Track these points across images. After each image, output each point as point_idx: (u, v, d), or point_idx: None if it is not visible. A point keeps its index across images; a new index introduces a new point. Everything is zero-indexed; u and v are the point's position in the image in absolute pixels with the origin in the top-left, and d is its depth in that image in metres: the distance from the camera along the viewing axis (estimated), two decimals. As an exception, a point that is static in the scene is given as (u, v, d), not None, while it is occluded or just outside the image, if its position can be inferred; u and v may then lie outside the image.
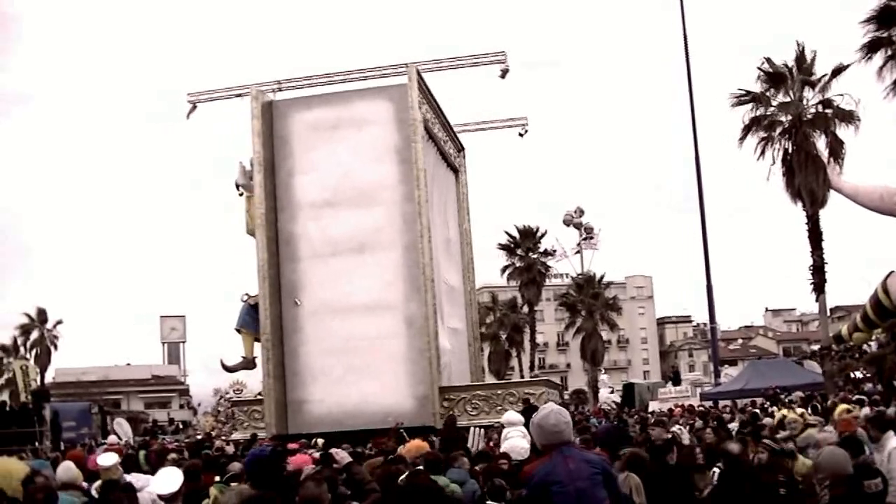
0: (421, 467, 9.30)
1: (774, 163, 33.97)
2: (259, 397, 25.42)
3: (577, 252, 72.04)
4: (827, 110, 33.61)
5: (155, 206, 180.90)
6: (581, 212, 72.24)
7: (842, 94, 33.50)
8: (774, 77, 35.00)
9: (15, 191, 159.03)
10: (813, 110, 34.20)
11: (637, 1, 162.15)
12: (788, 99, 34.88)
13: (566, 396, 77.03)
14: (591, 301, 69.45)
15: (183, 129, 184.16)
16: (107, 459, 10.67)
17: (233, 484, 9.37)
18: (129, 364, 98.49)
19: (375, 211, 23.95)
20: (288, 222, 24.45)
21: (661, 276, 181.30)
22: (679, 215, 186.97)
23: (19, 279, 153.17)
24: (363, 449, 15.03)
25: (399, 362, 23.19)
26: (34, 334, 74.47)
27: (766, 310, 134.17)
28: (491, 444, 15.12)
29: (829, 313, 41.14)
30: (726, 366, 64.19)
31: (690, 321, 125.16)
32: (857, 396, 26.25)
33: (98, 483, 9.77)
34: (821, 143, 33.24)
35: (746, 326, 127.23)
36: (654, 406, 43.83)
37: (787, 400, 27.40)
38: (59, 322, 75.74)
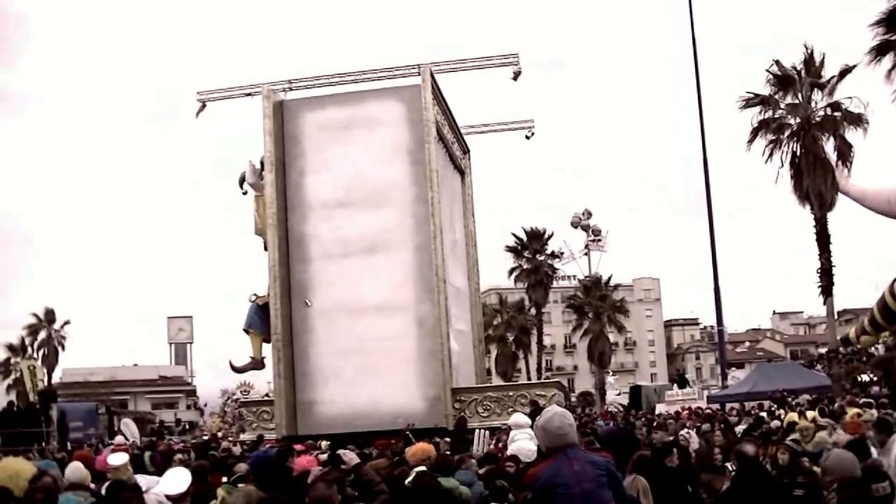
0: (424, 469, 9.29)
1: (783, 165, 33.94)
2: (267, 398, 25.41)
3: (585, 254, 72.29)
4: (835, 113, 33.56)
5: (162, 206, 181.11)
6: (589, 214, 72.48)
7: (850, 97, 33.47)
8: (783, 80, 34.96)
9: (22, 191, 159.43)
10: (821, 113, 34.15)
11: (641, 2, 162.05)
12: (797, 101, 34.83)
13: (573, 399, 77.14)
14: (598, 303, 69.45)
15: (185, 128, 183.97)
16: (117, 459, 10.71)
17: (240, 485, 9.37)
18: (136, 364, 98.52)
19: (387, 212, 23.93)
20: (299, 222, 24.42)
21: (668, 279, 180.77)
22: (687, 218, 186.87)
23: (27, 279, 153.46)
24: (369, 450, 15.03)
25: (410, 363, 23.16)
26: (42, 334, 74.58)
27: (774, 312, 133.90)
28: (500, 445, 15.11)
29: (836, 316, 41.10)
30: (733, 368, 64.08)
31: (698, 324, 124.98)
32: (863, 399, 26.22)
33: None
34: (829, 145, 33.18)
35: (754, 329, 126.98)
36: (661, 408, 43.74)
37: (794, 403, 27.37)
38: (67, 322, 75.87)
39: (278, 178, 24.30)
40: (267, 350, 26.30)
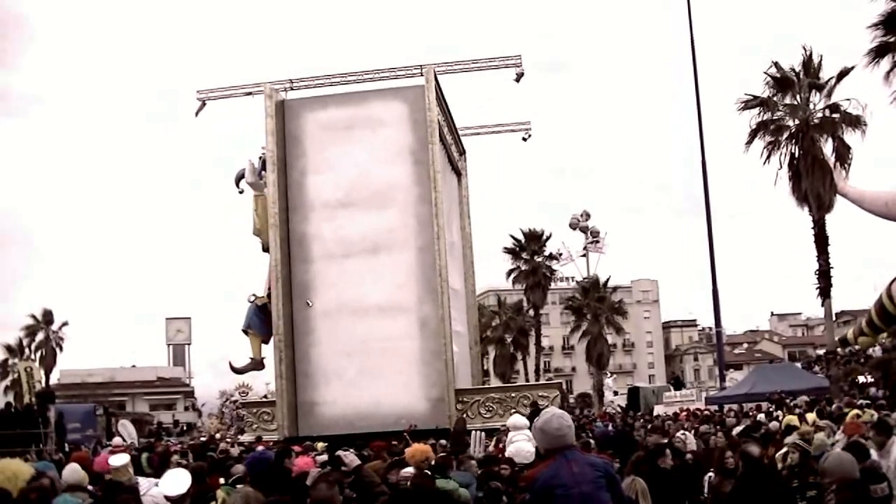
0: (414, 471, 9.29)
1: (781, 167, 33.88)
2: (266, 399, 25.37)
3: (583, 255, 72.21)
4: (834, 115, 33.51)
5: (160, 207, 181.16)
6: (587, 215, 72.46)
7: (849, 99, 33.42)
8: (781, 81, 34.93)
9: (21, 192, 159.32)
10: (820, 115, 34.11)
11: (640, 3, 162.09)
12: (795, 103, 34.80)
13: (571, 400, 77.14)
14: (596, 305, 69.38)
15: (185, 129, 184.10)
16: (118, 460, 10.74)
17: (238, 486, 9.37)
18: (134, 366, 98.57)
19: (389, 212, 23.93)
20: (300, 222, 24.38)
21: (666, 280, 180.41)
22: (685, 219, 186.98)
23: (25, 280, 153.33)
24: (367, 452, 15.01)
25: (412, 364, 23.17)
26: (39, 335, 74.39)
27: (772, 314, 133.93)
28: (501, 446, 15.12)
29: (834, 318, 41.03)
30: (731, 370, 64.12)
31: (696, 325, 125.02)
32: (860, 401, 26.24)
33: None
34: (828, 147, 33.13)
35: (752, 331, 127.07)
36: (659, 410, 43.79)
37: (792, 404, 27.38)
38: (65, 323, 75.65)
39: (280, 178, 24.27)
40: (266, 351, 26.30)
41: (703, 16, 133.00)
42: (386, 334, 23.07)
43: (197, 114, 26.63)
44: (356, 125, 24.44)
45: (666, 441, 12.60)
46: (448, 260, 25.93)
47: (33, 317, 74.27)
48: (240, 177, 26.81)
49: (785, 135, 34.25)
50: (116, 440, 24.96)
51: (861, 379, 39.93)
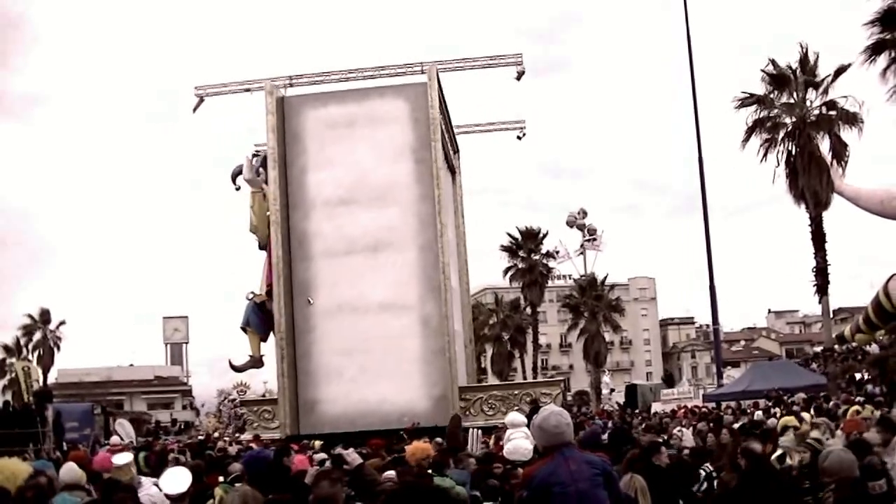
0: (419, 468, 9.29)
1: (778, 164, 33.97)
2: (264, 398, 25.35)
3: (581, 253, 72.11)
4: (831, 112, 33.58)
5: (156, 207, 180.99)
6: (584, 213, 72.29)
7: (845, 96, 33.49)
8: (778, 79, 34.98)
9: (19, 192, 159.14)
10: (816, 112, 34.16)
11: (638, 3, 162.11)
12: (792, 101, 34.85)
13: (569, 398, 77.16)
14: (594, 302, 69.45)
15: (184, 128, 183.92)
16: (121, 459, 10.76)
17: (237, 485, 9.37)
18: (131, 365, 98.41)
19: (390, 210, 23.90)
20: (301, 220, 24.33)
21: (664, 278, 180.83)
22: (682, 217, 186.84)
23: (23, 280, 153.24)
24: (364, 450, 15.01)
25: (414, 362, 23.16)
26: (37, 335, 74.47)
27: (769, 311, 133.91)
28: (500, 444, 15.13)
29: (831, 315, 41.15)
30: (729, 367, 64.09)
31: (693, 323, 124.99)
32: (857, 398, 26.24)
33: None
34: (824, 145, 33.20)
35: (749, 328, 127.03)
36: (656, 407, 43.85)
37: (789, 401, 27.38)
38: (62, 323, 75.77)
39: (280, 176, 24.21)
40: (265, 349, 26.30)
41: (702, 16, 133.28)
42: (387, 332, 23.05)
43: (195, 110, 26.58)
44: (357, 123, 24.42)
45: (658, 439, 12.62)
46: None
47: (31, 316, 74.32)
48: (236, 173, 26.77)
49: (782, 132, 34.38)
50: (114, 439, 24.91)
51: (858, 376, 39.95)
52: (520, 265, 68.21)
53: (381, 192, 23.91)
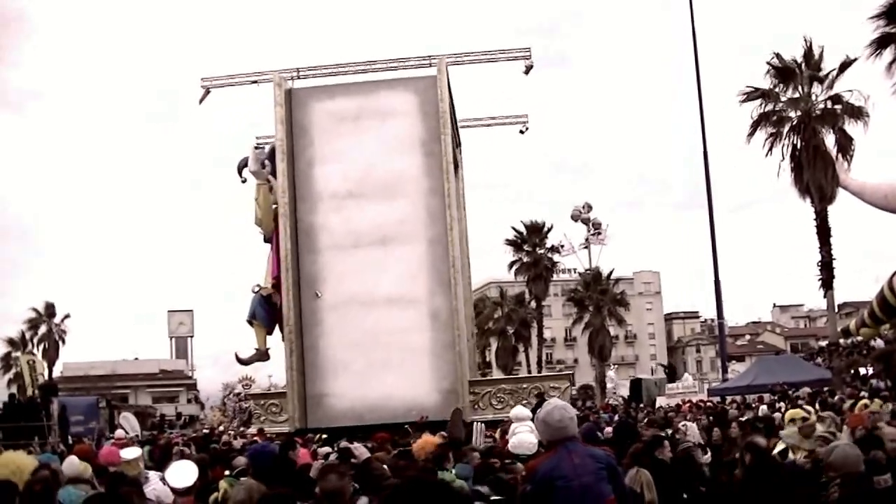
0: (424, 463, 9.29)
1: (783, 158, 33.91)
2: (270, 391, 25.31)
3: (585, 247, 72.13)
4: (836, 106, 33.50)
5: (162, 201, 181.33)
6: (589, 207, 72.32)
7: (850, 90, 33.41)
8: (783, 72, 34.90)
9: (23, 186, 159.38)
10: (822, 106, 34.09)
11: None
12: (797, 95, 34.77)
13: (574, 392, 77.17)
14: (598, 296, 69.42)
15: (188, 121, 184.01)
16: (130, 453, 10.77)
17: (242, 478, 9.38)
18: (136, 358, 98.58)
19: (399, 203, 23.78)
20: (308, 213, 24.19)
21: (668, 272, 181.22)
22: (687, 213, 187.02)
23: (27, 274, 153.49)
24: (369, 444, 15.01)
25: (423, 356, 23.08)
26: (42, 328, 74.58)
27: (774, 306, 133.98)
28: (507, 437, 15.13)
29: (836, 309, 41.08)
30: (734, 361, 64.13)
31: (698, 317, 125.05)
32: (862, 392, 26.20)
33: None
34: (829, 139, 33.14)
35: (754, 322, 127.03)
36: (661, 401, 43.81)
37: (794, 396, 27.38)
38: (67, 316, 75.87)
39: (287, 168, 24.13)
40: (271, 342, 26.29)
41: (705, 15, 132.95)
42: (395, 326, 22.96)
43: (201, 101, 26.41)
44: (365, 115, 24.30)
45: (661, 434, 12.60)
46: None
47: (35, 310, 74.44)
48: (242, 165, 26.70)
49: (787, 126, 34.31)
50: (119, 432, 24.97)
51: (863, 370, 39.91)
52: (525, 259, 68.19)
53: (389, 186, 23.80)
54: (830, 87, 34.13)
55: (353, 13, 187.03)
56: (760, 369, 39.35)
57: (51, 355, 72.54)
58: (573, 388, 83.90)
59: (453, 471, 9.69)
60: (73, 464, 9.13)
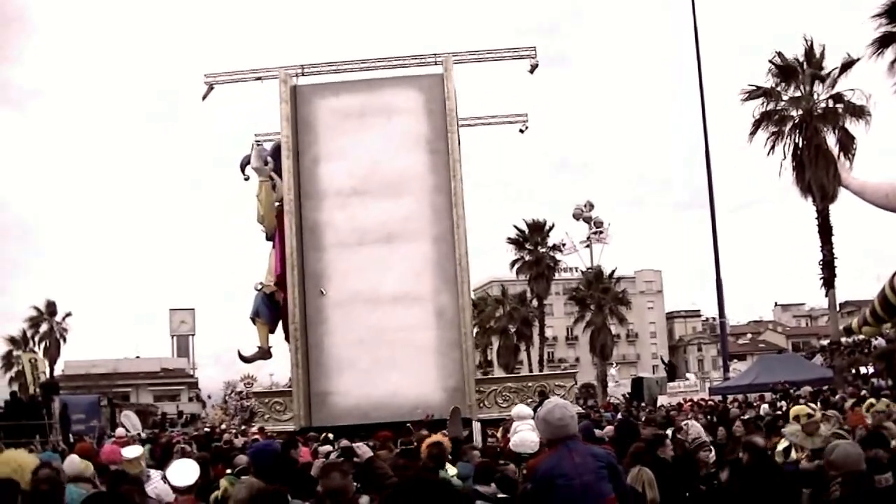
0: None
1: (785, 158, 33.82)
2: (272, 390, 25.28)
3: (587, 246, 72.10)
4: (838, 105, 33.44)
5: (163, 200, 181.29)
6: (591, 206, 72.30)
7: (852, 89, 33.34)
8: (785, 71, 34.83)
9: (24, 184, 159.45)
10: (823, 105, 34.03)
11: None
12: (799, 94, 34.71)
13: (575, 390, 77.14)
14: (600, 295, 69.33)
15: (190, 120, 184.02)
16: (132, 451, 10.77)
17: (243, 477, 9.38)
18: (138, 357, 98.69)
19: (404, 201, 23.76)
20: (313, 210, 24.16)
21: (670, 271, 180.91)
22: (688, 212, 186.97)
23: (28, 272, 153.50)
24: (371, 443, 15.00)
25: (428, 354, 23.07)
26: (43, 327, 74.42)
27: (776, 304, 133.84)
28: (509, 436, 15.14)
29: (838, 308, 40.99)
30: (735, 360, 64.13)
31: (699, 316, 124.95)
32: (863, 391, 26.21)
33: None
34: (831, 138, 33.06)
35: (755, 321, 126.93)
36: (662, 400, 43.86)
37: (795, 395, 27.39)
38: (69, 315, 75.70)
39: (293, 165, 24.08)
40: (273, 340, 26.29)
41: (706, 15, 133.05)
42: (400, 324, 22.95)
43: (204, 97, 26.27)
44: (369, 113, 24.28)
45: (662, 432, 12.58)
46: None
47: (37, 308, 74.33)
48: (245, 163, 26.69)
49: (788, 125, 34.19)
50: (119, 431, 24.98)
51: (864, 369, 39.91)
52: (526, 258, 68.08)
53: (394, 183, 23.78)
54: (832, 86, 34.06)
55: (353, 11, 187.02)
56: (762, 368, 39.37)
57: (52, 354, 72.43)
58: (576, 386, 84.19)
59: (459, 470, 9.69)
60: (74, 462, 9.13)
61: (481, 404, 22.74)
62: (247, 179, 26.78)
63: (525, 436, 11.47)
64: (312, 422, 22.67)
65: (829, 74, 34.26)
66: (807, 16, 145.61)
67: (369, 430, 16.53)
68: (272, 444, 10.21)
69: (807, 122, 33.59)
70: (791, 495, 8.21)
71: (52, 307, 74.48)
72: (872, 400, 17.07)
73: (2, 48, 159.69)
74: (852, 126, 32.83)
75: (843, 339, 38.30)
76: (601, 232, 71.91)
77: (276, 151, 25.30)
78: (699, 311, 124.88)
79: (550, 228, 68.33)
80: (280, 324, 25.77)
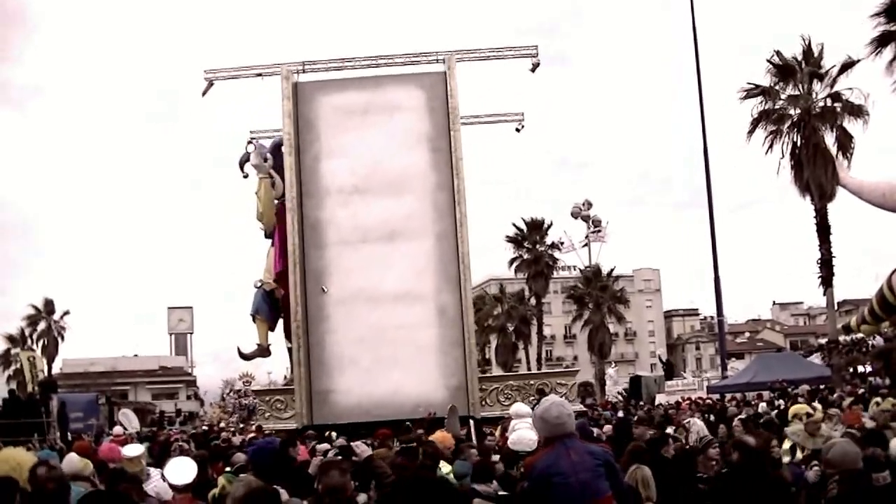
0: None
1: (783, 156, 33.82)
2: (271, 387, 25.26)
3: (585, 245, 72.16)
4: (836, 104, 33.45)
5: (162, 199, 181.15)
6: (589, 204, 72.37)
7: (851, 89, 33.34)
8: (783, 70, 34.84)
9: (22, 183, 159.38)
10: (822, 104, 34.03)
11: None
12: (797, 92, 34.71)
13: (575, 389, 77.16)
14: (598, 294, 69.33)
15: (187, 120, 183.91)
16: (132, 450, 10.76)
17: (241, 475, 9.39)
18: (136, 355, 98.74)
19: (406, 199, 23.69)
20: (314, 208, 24.06)
21: (668, 270, 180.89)
22: (687, 211, 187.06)
23: (27, 270, 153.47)
24: (370, 441, 15.01)
25: (430, 352, 23.02)
26: (41, 325, 74.39)
27: (774, 303, 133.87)
28: (507, 434, 15.15)
29: (836, 307, 40.99)
30: (733, 359, 64.15)
31: (698, 314, 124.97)
32: (861, 390, 26.26)
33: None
34: (829, 136, 33.06)
35: (754, 320, 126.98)
36: (661, 399, 43.90)
37: (793, 393, 27.43)
38: (67, 313, 75.65)
39: (294, 163, 24.05)
40: (273, 338, 26.28)
41: (705, 15, 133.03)
42: (402, 322, 22.87)
43: (204, 93, 26.06)
44: (372, 110, 24.19)
45: (660, 432, 12.62)
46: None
47: (35, 307, 74.32)
48: (244, 160, 26.66)
49: (787, 124, 34.19)
50: (117, 429, 25.00)
51: (862, 368, 39.97)
52: (525, 256, 68.09)
53: (396, 181, 23.70)
54: (830, 85, 34.06)
55: (355, 8, 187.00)
56: (760, 367, 39.39)
57: (50, 352, 72.42)
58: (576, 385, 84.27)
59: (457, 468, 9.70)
60: (72, 461, 9.13)
61: (483, 403, 22.74)
62: (245, 177, 26.75)
63: (523, 434, 11.49)
64: (314, 420, 22.61)
65: (827, 73, 34.26)
66: (806, 15, 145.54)
67: (371, 429, 16.51)
68: (271, 442, 10.20)
69: (805, 120, 33.59)
70: (783, 495, 8.20)
71: (50, 305, 74.46)
72: (878, 399, 17.09)
73: (2, 48, 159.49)
74: (850, 125, 32.84)
75: (842, 338, 38.39)
76: (599, 231, 72.01)
77: (276, 148, 25.27)
78: (697, 309, 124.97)
79: (549, 227, 68.41)
80: (280, 321, 25.79)
